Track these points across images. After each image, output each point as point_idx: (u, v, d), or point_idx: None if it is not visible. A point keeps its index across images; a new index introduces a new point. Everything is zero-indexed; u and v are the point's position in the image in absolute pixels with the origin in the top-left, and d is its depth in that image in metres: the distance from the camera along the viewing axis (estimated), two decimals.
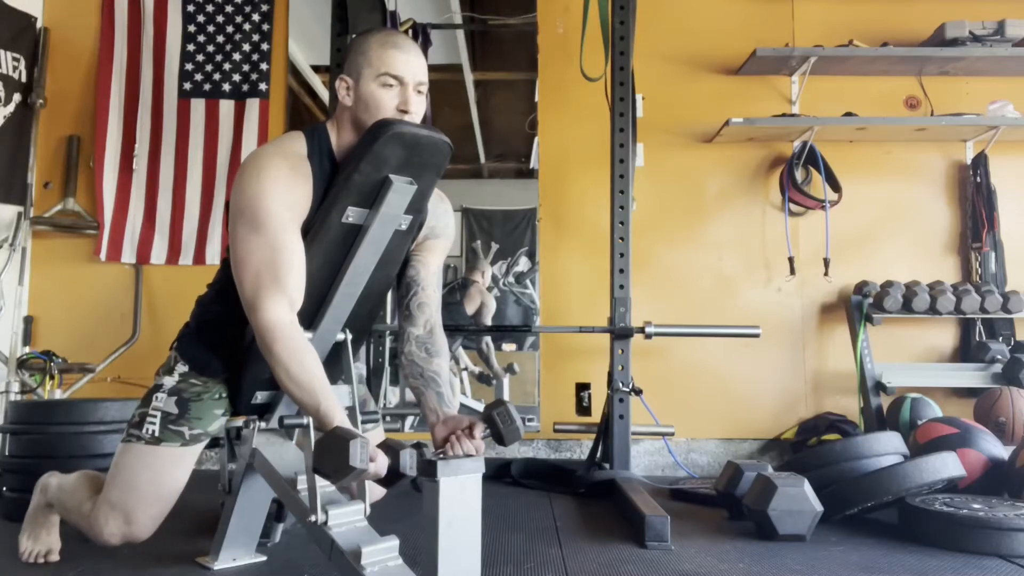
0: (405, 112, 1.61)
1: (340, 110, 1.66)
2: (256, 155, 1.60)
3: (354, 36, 1.74)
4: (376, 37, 1.65)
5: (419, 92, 1.64)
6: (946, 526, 1.93)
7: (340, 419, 1.43)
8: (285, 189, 1.54)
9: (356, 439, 1.32)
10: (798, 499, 1.99)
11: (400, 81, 1.61)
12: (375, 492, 1.93)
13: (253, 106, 3.38)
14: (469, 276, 3.59)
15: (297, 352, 1.48)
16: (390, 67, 1.60)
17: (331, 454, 1.33)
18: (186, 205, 3.36)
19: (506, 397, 3.51)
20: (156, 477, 1.64)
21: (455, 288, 3.60)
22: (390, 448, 1.46)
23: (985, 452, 2.34)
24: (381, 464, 1.42)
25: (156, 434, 1.65)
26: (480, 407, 3.49)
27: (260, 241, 1.52)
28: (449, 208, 1.88)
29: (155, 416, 1.67)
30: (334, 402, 1.46)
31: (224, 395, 1.72)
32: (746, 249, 3.32)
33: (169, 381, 1.70)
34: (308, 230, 1.58)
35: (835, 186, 3.21)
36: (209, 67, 3.42)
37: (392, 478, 1.46)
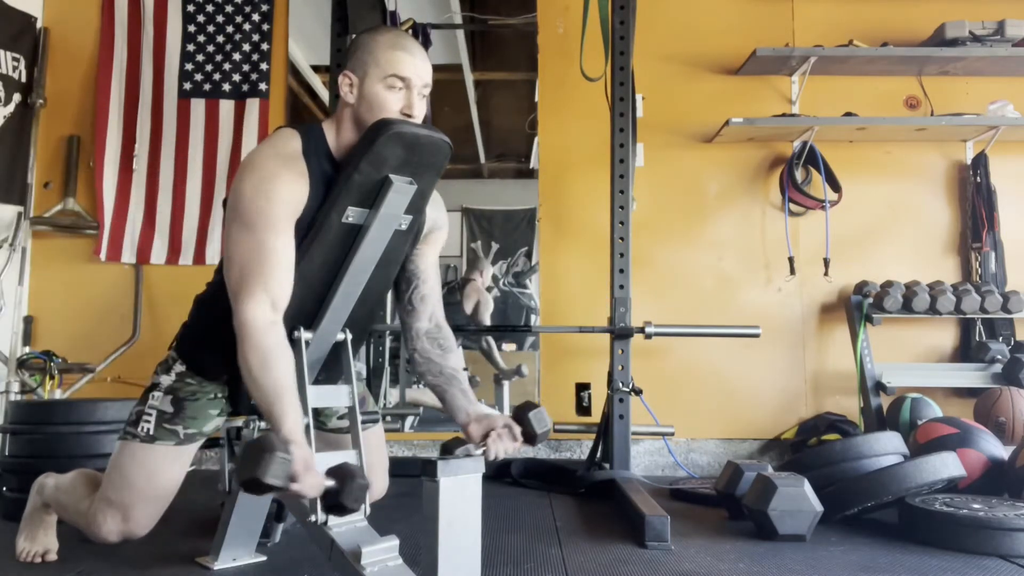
0: (409, 116, 1.61)
1: (341, 107, 1.66)
2: (252, 156, 1.60)
3: (360, 33, 1.74)
4: (385, 37, 1.64)
5: (422, 95, 1.65)
6: (946, 526, 1.93)
7: (288, 429, 1.36)
8: (280, 189, 1.54)
9: (275, 452, 1.22)
10: (798, 499, 1.99)
11: (407, 84, 1.61)
12: (374, 492, 1.93)
13: (253, 106, 3.38)
14: (468, 275, 3.59)
15: (267, 355, 1.44)
16: (398, 69, 1.60)
17: (249, 461, 1.22)
18: (186, 205, 3.36)
19: (506, 400, 3.51)
20: (151, 475, 1.64)
21: (454, 288, 3.60)
22: (342, 473, 1.37)
23: (985, 452, 2.34)
24: (308, 486, 1.32)
25: (151, 432, 1.66)
26: (480, 407, 3.49)
27: (250, 240, 1.51)
28: (442, 202, 1.88)
29: (151, 414, 1.67)
30: (289, 411, 1.40)
31: (220, 395, 1.73)
32: (746, 249, 3.32)
33: (166, 380, 1.71)
34: (308, 228, 1.58)
35: (835, 186, 3.21)
36: (209, 67, 3.42)
37: None
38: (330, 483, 1.37)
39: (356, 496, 1.36)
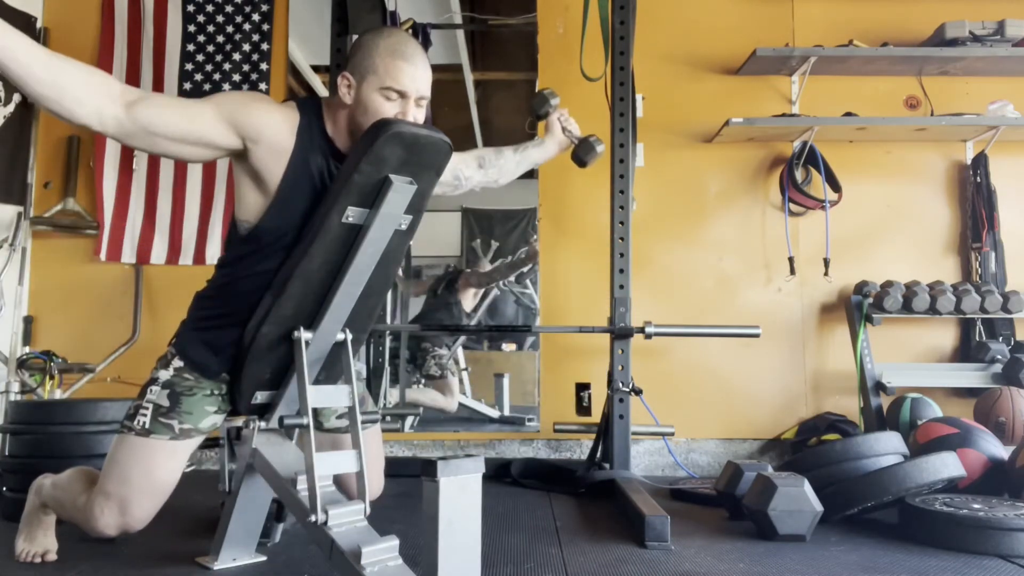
0: None
1: (338, 103, 1.67)
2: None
3: (363, 33, 1.74)
4: (386, 42, 1.64)
5: (419, 105, 1.66)
6: (946, 526, 1.93)
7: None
8: (266, 110, 1.60)
9: None
10: (798, 499, 1.99)
11: (403, 95, 1.62)
12: (374, 490, 1.93)
13: None
14: (462, 269, 3.62)
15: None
16: (395, 81, 1.61)
17: None
18: (186, 205, 3.36)
19: (505, 395, 3.52)
20: (148, 469, 1.65)
21: (451, 283, 3.61)
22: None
23: (985, 452, 2.34)
24: None
25: (147, 426, 1.66)
26: (480, 407, 3.51)
27: (193, 107, 1.56)
28: None
29: (147, 408, 1.68)
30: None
31: (217, 392, 1.73)
32: (746, 249, 3.32)
33: (164, 375, 1.71)
34: (304, 226, 1.59)
35: (835, 186, 3.21)
36: (209, 67, 3.42)
37: None
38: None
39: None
